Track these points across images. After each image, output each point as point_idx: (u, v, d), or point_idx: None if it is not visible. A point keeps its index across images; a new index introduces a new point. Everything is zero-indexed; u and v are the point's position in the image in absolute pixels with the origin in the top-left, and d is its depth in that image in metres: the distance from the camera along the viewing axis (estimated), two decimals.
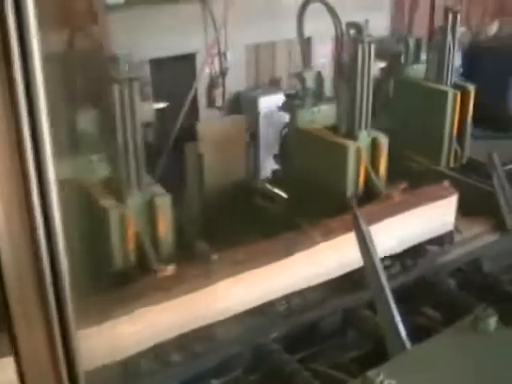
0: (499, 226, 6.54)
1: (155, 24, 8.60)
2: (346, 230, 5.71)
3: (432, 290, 6.14)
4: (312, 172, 6.83)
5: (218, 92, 9.50)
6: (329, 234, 5.86)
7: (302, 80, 6.79)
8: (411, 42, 7.84)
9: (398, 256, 6.20)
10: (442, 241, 6.48)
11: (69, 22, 7.67)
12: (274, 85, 10.31)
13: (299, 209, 6.36)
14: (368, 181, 6.57)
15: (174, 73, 8.93)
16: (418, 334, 5.14)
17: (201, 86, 9.34)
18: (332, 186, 6.61)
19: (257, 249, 5.69)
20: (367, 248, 4.88)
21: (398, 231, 6.18)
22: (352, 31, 6.39)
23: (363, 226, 4.94)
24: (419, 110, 7.59)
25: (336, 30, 6.83)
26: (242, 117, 7.71)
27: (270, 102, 9.22)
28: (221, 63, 9.44)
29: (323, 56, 10.41)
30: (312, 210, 6.11)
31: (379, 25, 10.60)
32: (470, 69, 10.17)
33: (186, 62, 9.21)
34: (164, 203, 5.44)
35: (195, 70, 9.25)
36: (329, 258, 5.77)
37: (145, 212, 5.43)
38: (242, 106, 9.71)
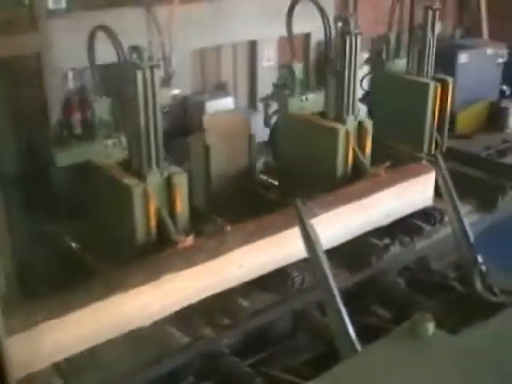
0: None
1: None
2: (342, 203, 6.31)
3: (381, 289, 6.36)
4: (303, 155, 7.30)
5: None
6: (327, 207, 6.25)
7: (292, 71, 7.38)
8: (392, 39, 8.34)
9: (396, 234, 6.73)
10: (433, 220, 7.02)
11: (6, 29, 7.55)
12: (220, 89, 10.42)
13: (292, 192, 6.55)
14: (355, 161, 7.06)
15: (120, 78, 8.88)
16: (369, 333, 5.49)
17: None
18: (323, 167, 7.08)
19: (266, 221, 6.10)
20: (315, 252, 5.07)
21: (385, 205, 6.66)
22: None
23: (309, 228, 5.18)
24: (402, 101, 8.12)
25: (324, 24, 7.31)
26: (244, 109, 8.06)
27: (217, 106, 9.43)
28: (166, 68, 9.50)
29: (268, 59, 10.70)
30: (304, 191, 6.37)
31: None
32: None
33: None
34: (181, 180, 5.82)
35: None
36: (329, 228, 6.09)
37: (164, 189, 5.79)
38: (189, 110, 9.78)
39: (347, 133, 6.97)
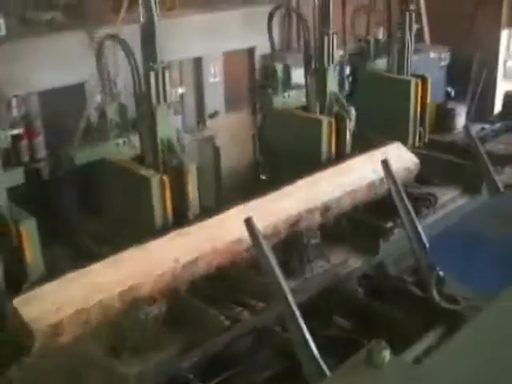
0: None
1: (40, 55, 8.50)
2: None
3: (341, 299, 6.39)
4: (290, 145, 7.89)
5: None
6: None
7: (274, 71, 8.06)
8: (371, 41, 8.99)
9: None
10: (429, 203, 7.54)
11: None
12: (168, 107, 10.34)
13: (283, 178, 7.06)
14: (337, 148, 7.82)
15: (64, 103, 8.80)
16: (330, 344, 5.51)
17: (93, 114, 9.24)
18: (308, 153, 7.71)
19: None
20: (271, 267, 5.08)
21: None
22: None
23: (264, 244, 5.19)
24: (385, 98, 8.66)
25: (303, 29, 7.99)
26: (248, 110, 8.77)
27: None
28: (111, 91, 9.41)
29: (214, 75, 10.70)
30: (292, 176, 6.87)
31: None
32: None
33: (75, 91, 9.09)
34: (192, 170, 6.38)
35: (85, 98, 9.16)
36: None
37: (176, 178, 6.36)
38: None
39: (330, 122, 7.60)
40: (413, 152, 7.97)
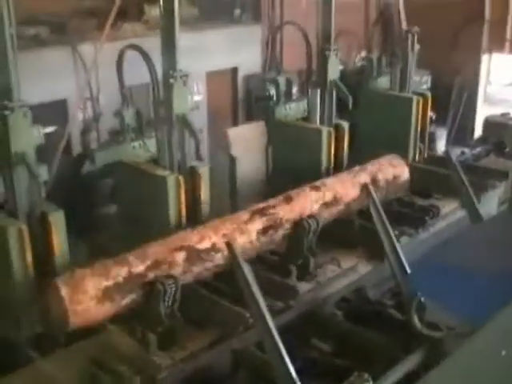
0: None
1: (23, 70, 8.45)
2: None
3: (320, 322, 6.32)
4: (291, 155, 8.13)
5: (93, 136, 9.42)
6: None
7: (277, 84, 8.27)
8: (374, 60, 9.22)
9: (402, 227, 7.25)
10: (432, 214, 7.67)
11: None
12: (151, 126, 10.33)
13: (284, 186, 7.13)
14: (336, 157, 8.02)
15: (45, 120, 8.75)
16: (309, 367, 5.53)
17: (74, 131, 9.22)
18: (309, 163, 7.90)
19: None
20: (250, 290, 5.14)
21: None
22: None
23: (244, 267, 5.30)
24: (387, 114, 8.87)
25: (306, 45, 8.23)
26: (263, 122, 8.58)
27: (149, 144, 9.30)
28: (94, 107, 9.43)
29: (198, 93, 10.74)
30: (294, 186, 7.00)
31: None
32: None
33: (57, 108, 9.08)
34: (206, 173, 6.66)
35: (67, 115, 9.15)
36: None
37: (191, 179, 6.61)
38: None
39: (330, 132, 7.84)
40: (413, 166, 8.25)
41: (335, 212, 6.93)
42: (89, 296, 5.10)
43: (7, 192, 5.67)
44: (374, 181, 7.35)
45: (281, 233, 6.39)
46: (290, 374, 4.71)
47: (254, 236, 6.16)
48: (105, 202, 7.15)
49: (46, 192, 6.32)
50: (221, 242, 5.87)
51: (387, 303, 6.41)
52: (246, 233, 6.13)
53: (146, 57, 6.68)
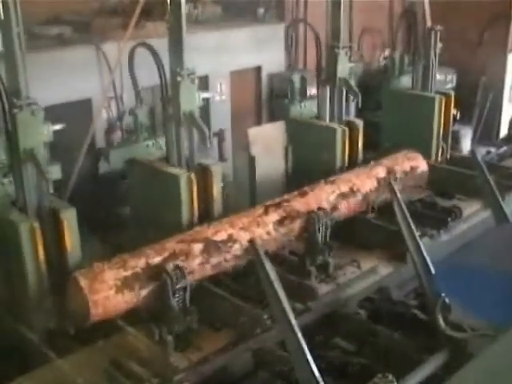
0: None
1: (47, 70, 8.48)
2: None
3: (342, 322, 6.33)
4: (307, 154, 8.27)
5: (117, 135, 9.46)
6: None
7: (292, 82, 8.53)
8: (396, 59, 9.31)
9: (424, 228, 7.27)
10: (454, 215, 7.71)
11: None
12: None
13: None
14: (351, 155, 8.12)
15: (70, 119, 8.79)
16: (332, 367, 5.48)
17: (98, 130, 9.24)
18: (325, 161, 8.05)
19: None
20: (273, 289, 5.16)
21: None
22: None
23: (268, 267, 5.32)
24: (409, 114, 8.91)
25: (316, 41, 8.30)
26: (283, 122, 8.68)
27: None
28: (118, 106, 9.43)
29: (221, 94, 10.72)
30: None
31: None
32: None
33: (82, 107, 9.09)
34: (217, 171, 6.76)
35: (91, 114, 9.15)
36: None
37: (202, 178, 6.70)
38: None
39: (344, 131, 7.92)
40: (435, 167, 8.30)
41: (353, 203, 6.99)
42: (108, 285, 5.18)
43: (17, 189, 5.75)
44: (390, 172, 7.42)
45: (298, 223, 6.44)
46: (313, 373, 4.68)
47: (270, 227, 6.25)
48: (119, 200, 7.33)
49: (67, 190, 6.37)
50: (237, 234, 5.95)
51: (411, 304, 6.37)
52: (262, 224, 6.22)
53: (155, 55, 6.79)
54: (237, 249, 5.92)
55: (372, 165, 7.55)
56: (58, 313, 5.64)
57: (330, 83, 8.06)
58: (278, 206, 6.47)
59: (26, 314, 5.73)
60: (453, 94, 9.06)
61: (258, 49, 10.95)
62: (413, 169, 7.72)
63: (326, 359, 5.59)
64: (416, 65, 9.07)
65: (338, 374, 5.52)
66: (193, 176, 6.49)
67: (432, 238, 7.32)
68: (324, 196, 6.79)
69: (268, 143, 8.23)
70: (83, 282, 5.16)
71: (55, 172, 6.01)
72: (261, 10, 11.84)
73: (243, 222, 6.14)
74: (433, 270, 5.93)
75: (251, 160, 8.13)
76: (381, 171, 7.41)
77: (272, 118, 11.12)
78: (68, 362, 5.36)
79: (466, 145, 11.52)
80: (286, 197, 6.65)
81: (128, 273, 5.32)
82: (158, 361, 5.20)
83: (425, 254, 6.07)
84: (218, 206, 6.74)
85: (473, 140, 12.18)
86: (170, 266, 5.38)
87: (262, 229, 6.18)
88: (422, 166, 7.82)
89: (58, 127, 5.90)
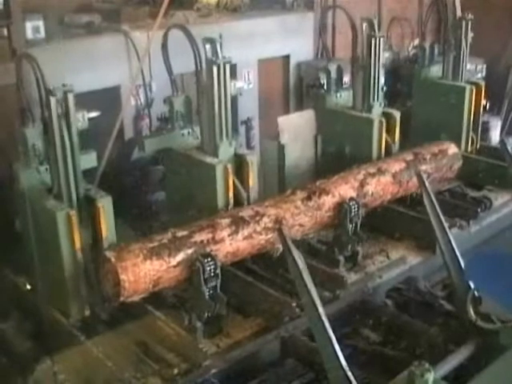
0: None
1: (78, 58, 8.55)
2: None
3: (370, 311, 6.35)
4: (341, 144, 8.17)
5: (145, 123, 9.51)
6: None
7: (328, 72, 8.27)
8: (427, 48, 9.17)
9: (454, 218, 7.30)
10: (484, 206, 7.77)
11: None
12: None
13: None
14: (387, 147, 7.96)
15: (99, 106, 8.85)
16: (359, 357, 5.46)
17: (127, 117, 9.30)
18: (359, 150, 7.96)
19: None
20: (301, 277, 5.10)
21: None
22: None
23: (295, 254, 5.28)
24: (439, 104, 8.82)
25: (352, 28, 8.10)
26: (312, 110, 8.57)
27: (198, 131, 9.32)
28: (146, 94, 9.48)
29: (249, 82, 10.74)
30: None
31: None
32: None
33: (111, 94, 9.15)
34: (253, 161, 6.69)
35: (120, 101, 9.20)
36: None
37: (238, 168, 6.69)
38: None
39: (381, 122, 7.81)
40: (465, 157, 8.18)
41: (383, 182, 7.01)
42: (134, 254, 5.25)
43: (53, 176, 5.80)
44: (417, 154, 7.50)
45: (327, 200, 6.48)
46: (340, 362, 4.67)
47: (298, 202, 6.31)
48: (149, 188, 7.40)
49: (96, 176, 6.42)
50: (264, 209, 6.09)
51: (438, 294, 6.36)
52: (289, 201, 6.30)
53: (190, 38, 6.65)
54: (266, 221, 6.00)
55: (398, 152, 7.69)
56: (92, 299, 5.72)
57: (365, 72, 7.97)
58: (305, 187, 6.57)
59: (61, 301, 5.79)
60: (483, 83, 8.96)
61: (286, 37, 10.94)
62: (441, 151, 7.72)
63: (353, 349, 5.61)
64: (447, 54, 8.97)
65: (365, 363, 5.52)
66: (229, 166, 6.48)
67: (462, 228, 7.31)
68: (351, 176, 6.87)
69: (297, 131, 8.20)
70: (110, 254, 5.25)
71: (91, 160, 6.05)
72: None
73: (270, 201, 6.29)
74: (462, 263, 5.88)
75: (281, 148, 8.09)
76: (407, 155, 7.50)
77: (300, 107, 11.12)
78: (96, 344, 5.46)
79: (495, 135, 11.41)
80: (312, 182, 6.76)
81: (154, 244, 5.39)
82: (186, 346, 5.26)
83: (454, 245, 6.01)
84: (253, 195, 6.71)
85: (502, 131, 12.06)
86: (201, 252, 5.43)
87: (289, 204, 6.28)
88: (452, 148, 7.84)
89: (93, 114, 5.94)
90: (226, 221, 5.86)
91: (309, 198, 6.42)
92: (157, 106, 9.52)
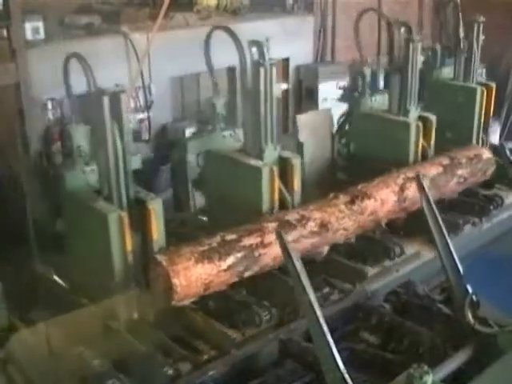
0: None
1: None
2: None
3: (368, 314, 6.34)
4: (374, 147, 8.15)
5: (144, 125, 9.52)
6: None
7: (363, 75, 8.24)
8: (438, 50, 9.21)
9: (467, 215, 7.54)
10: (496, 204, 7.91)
11: None
12: (200, 115, 10.36)
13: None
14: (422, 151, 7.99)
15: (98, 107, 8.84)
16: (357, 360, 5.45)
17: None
18: (395, 153, 7.93)
19: None
20: (300, 280, 5.04)
21: None
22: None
23: (294, 257, 5.15)
24: (451, 105, 8.91)
25: (389, 35, 8.38)
26: (329, 109, 8.78)
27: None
28: (145, 96, 9.49)
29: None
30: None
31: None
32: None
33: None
34: (297, 163, 6.67)
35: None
36: None
37: (282, 170, 6.62)
38: (169, 137, 9.71)
39: (418, 126, 7.84)
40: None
41: None
42: (186, 258, 5.28)
43: (102, 178, 5.74)
44: (453, 159, 7.65)
45: (369, 204, 6.62)
46: (338, 364, 4.66)
47: (342, 206, 6.42)
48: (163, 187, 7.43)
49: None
50: (310, 213, 6.17)
51: (436, 298, 6.36)
52: (333, 205, 6.40)
53: (235, 39, 6.67)
54: (312, 225, 6.11)
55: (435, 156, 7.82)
56: (140, 302, 5.67)
57: (402, 76, 7.98)
58: (346, 192, 6.66)
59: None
60: (494, 85, 9.08)
61: (286, 40, 10.95)
62: (476, 156, 7.91)
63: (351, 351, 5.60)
64: (458, 56, 9.06)
65: (363, 366, 5.51)
66: (275, 169, 6.45)
67: (474, 225, 7.50)
68: (391, 180, 6.97)
69: (315, 129, 8.28)
70: (161, 257, 5.26)
71: (136, 161, 6.01)
72: (289, 1, 11.83)
73: (313, 205, 6.34)
74: (460, 266, 5.87)
75: (299, 146, 8.13)
76: (443, 159, 7.64)
77: (299, 109, 11.13)
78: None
79: (494, 140, 11.40)
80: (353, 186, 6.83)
81: (204, 247, 5.43)
82: (214, 334, 5.38)
83: (452, 249, 5.99)
84: (297, 198, 6.69)
85: (501, 134, 12.07)
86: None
87: (333, 208, 6.38)
88: (485, 154, 8.06)
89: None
90: (272, 225, 5.91)
91: (352, 201, 6.53)
92: (156, 109, 9.55)
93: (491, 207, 7.77)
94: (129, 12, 10.29)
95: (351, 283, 6.32)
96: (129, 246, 5.52)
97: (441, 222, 6.17)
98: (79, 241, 5.99)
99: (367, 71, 8.28)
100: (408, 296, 6.44)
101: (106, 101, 5.42)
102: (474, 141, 8.86)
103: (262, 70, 6.31)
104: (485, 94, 8.81)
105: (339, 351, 4.74)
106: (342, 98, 8.59)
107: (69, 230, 6.13)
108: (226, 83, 7.09)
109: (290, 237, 5.81)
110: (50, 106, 8.67)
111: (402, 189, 6.96)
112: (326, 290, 6.10)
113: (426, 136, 7.96)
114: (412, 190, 6.95)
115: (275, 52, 8.14)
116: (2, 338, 5.47)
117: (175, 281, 5.16)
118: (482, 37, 8.91)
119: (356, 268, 6.56)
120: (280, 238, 5.50)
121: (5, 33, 7.90)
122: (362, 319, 6.21)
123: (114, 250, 5.49)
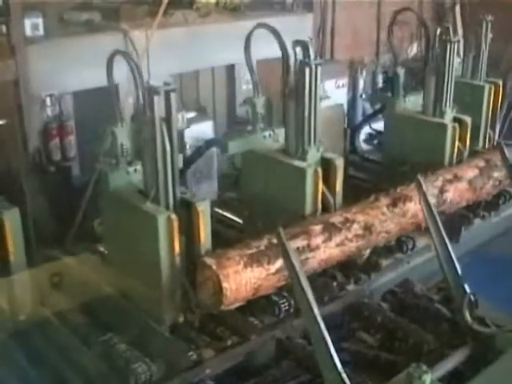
0: None
1: (76, 56, 8.53)
2: None
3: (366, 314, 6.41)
4: (410, 147, 8.22)
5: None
6: None
7: (397, 75, 8.32)
8: None
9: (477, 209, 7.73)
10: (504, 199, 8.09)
11: None
12: (199, 113, 10.35)
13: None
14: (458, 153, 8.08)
15: (97, 105, 8.83)
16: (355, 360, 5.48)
17: (126, 117, 9.26)
18: (429, 155, 7.97)
19: None
20: (298, 279, 5.12)
21: None
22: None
23: (292, 256, 5.24)
24: (460, 101, 8.71)
25: (425, 35, 8.49)
26: (342, 104, 8.85)
27: (196, 131, 9.30)
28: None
29: (247, 82, 10.71)
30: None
31: None
32: None
33: (109, 93, 9.11)
34: (340, 164, 6.62)
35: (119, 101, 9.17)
36: None
37: (324, 172, 6.56)
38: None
39: (454, 128, 7.91)
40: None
41: (460, 189, 7.29)
42: (235, 261, 5.27)
43: (148, 179, 5.64)
44: (489, 161, 7.79)
45: (411, 207, 6.67)
46: (336, 364, 4.67)
47: (384, 209, 6.46)
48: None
49: None
50: (353, 216, 6.21)
51: (434, 297, 6.40)
52: (375, 208, 6.44)
53: (279, 38, 6.79)
54: (356, 228, 6.14)
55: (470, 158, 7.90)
56: (185, 305, 5.65)
57: (438, 77, 8.00)
58: (386, 193, 6.70)
59: (155, 306, 5.66)
60: (501, 82, 9.20)
61: (285, 38, 10.92)
62: None
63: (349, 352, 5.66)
64: (466, 54, 9.20)
65: (362, 366, 5.53)
66: (319, 170, 6.42)
67: (483, 219, 7.74)
68: (429, 182, 6.94)
69: (327, 124, 8.08)
70: (210, 261, 5.25)
71: (179, 161, 5.91)
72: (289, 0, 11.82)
73: (356, 208, 6.36)
74: (458, 266, 5.88)
75: None
76: (479, 161, 7.74)
77: None
78: None
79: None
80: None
81: (253, 250, 5.43)
82: (235, 320, 5.47)
83: (450, 249, 6.02)
84: (339, 199, 6.65)
85: (500, 133, 12.05)
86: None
87: (376, 210, 6.42)
88: None
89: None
90: (318, 227, 5.91)
91: (394, 204, 6.58)
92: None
93: (500, 202, 7.96)
94: (128, 9, 10.25)
95: (366, 274, 6.56)
96: (177, 249, 5.45)
97: (439, 223, 6.20)
98: (121, 242, 5.91)
99: (401, 71, 8.33)
100: (405, 295, 6.49)
101: (156, 100, 5.31)
102: (482, 137, 8.94)
103: (307, 70, 6.25)
104: (492, 91, 8.91)
105: (337, 351, 4.78)
106: (374, 99, 8.77)
107: (108, 231, 6.12)
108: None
109: (336, 240, 5.92)
110: (48, 102, 8.63)
111: (441, 191, 7.05)
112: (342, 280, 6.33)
113: (461, 138, 8.01)
114: (451, 193, 7.10)
115: (274, 50, 8.18)
116: None
117: (225, 285, 5.15)
118: (489, 35, 9.02)
119: (370, 260, 6.62)
120: (278, 236, 5.51)
121: (4, 29, 7.90)
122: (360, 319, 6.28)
123: (162, 252, 5.42)
